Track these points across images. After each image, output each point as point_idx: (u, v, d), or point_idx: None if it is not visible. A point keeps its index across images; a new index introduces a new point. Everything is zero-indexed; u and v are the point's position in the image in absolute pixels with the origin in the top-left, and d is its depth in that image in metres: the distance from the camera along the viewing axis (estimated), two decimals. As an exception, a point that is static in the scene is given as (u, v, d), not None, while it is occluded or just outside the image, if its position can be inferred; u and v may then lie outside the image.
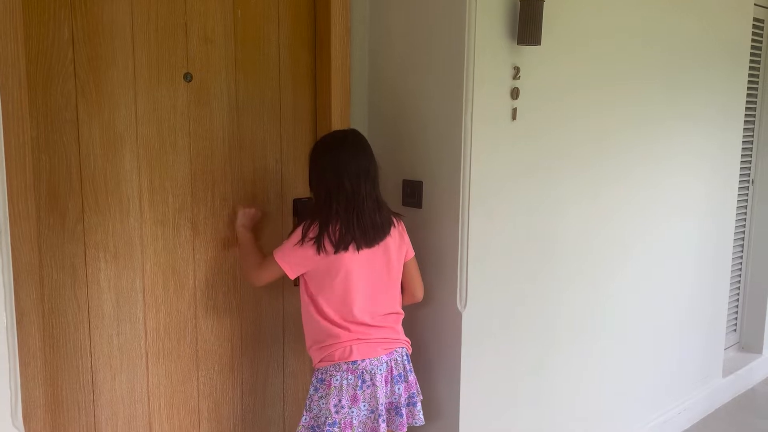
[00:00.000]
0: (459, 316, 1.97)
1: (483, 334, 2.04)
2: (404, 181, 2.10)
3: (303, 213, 2.07)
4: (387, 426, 1.82)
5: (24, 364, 1.49)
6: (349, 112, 2.11)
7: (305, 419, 1.81)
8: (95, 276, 1.76)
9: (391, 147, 2.13)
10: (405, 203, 2.09)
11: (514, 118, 2.04)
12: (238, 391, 2.06)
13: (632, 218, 2.59)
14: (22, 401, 1.48)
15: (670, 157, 2.73)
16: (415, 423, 1.87)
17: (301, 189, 2.12)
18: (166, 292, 1.88)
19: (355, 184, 1.75)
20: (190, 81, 1.86)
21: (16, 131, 1.45)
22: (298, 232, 1.76)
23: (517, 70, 2.02)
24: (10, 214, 1.43)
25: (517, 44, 1.97)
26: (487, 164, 1.98)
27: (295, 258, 1.77)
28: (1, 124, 1.39)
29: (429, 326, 2.09)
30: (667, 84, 2.65)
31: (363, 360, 1.78)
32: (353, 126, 2.10)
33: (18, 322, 1.46)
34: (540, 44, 1.97)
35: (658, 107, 2.63)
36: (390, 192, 2.11)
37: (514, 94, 2.03)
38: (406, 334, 1.91)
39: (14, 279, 1.44)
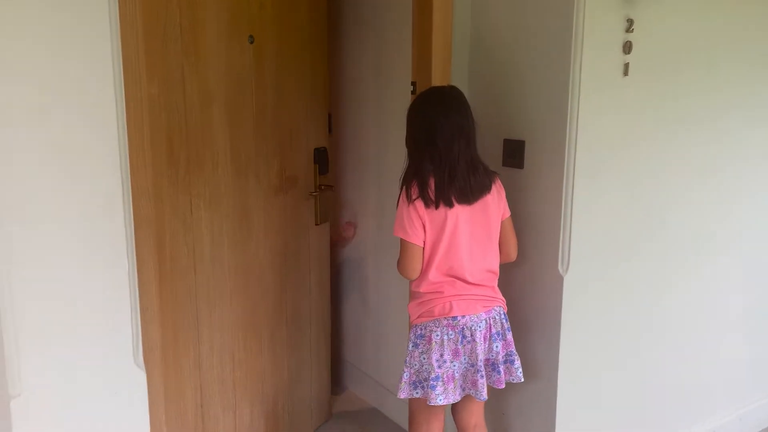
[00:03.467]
0: (560, 279, 1.92)
1: (584, 298, 1.98)
2: (505, 140, 2.04)
3: (322, 162, 2.36)
4: (485, 381, 1.82)
5: (143, 309, 1.60)
6: (450, 69, 2.07)
7: (406, 375, 1.85)
8: (198, 222, 1.91)
9: (492, 104, 2.08)
10: (505, 163, 2.05)
11: (625, 74, 1.92)
12: (284, 317, 2.33)
13: (747, 193, 2.40)
14: (141, 342, 1.59)
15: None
16: (513, 380, 1.87)
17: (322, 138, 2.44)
18: (241, 234, 2.07)
19: (448, 143, 1.72)
20: (252, 42, 2.01)
21: (135, 90, 1.53)
22: (403, 198, 1.77)
23: (630, 22, 1.89)
24: (130, 168, 1.52)
25: (632, -7, 1.85)
26: (594, 123, 1.88)
27: (410, 223, 1.76)
28: (123, 84, 1.47)
29: (527, 288, 2.05)
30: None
31: (463, 316, 1.78)
32: (453, 82, 2.06)
33: (138, 270, 1.57)
34: (657, -6, 1.84)
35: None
36: (490, 152, 2.07)
37: (627, 48, 1.91)
38: (503, 295, 1.89)
39: (135, 229, 1.54)
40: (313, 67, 2.33)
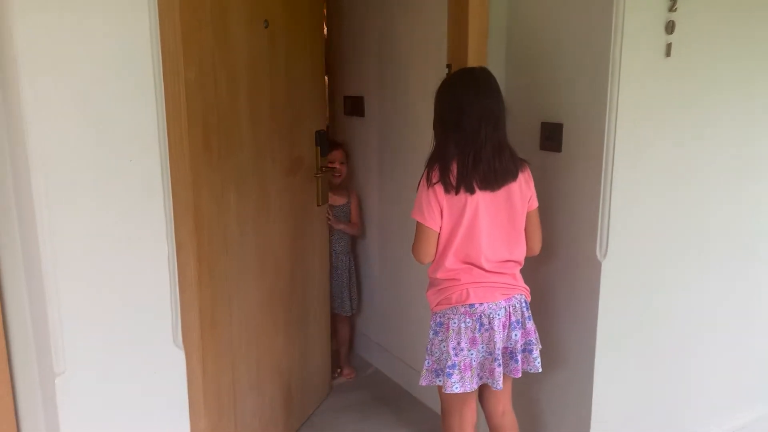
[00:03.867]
0: (598, 265, 1.89)
1: (622, 284, 1.95)
2: (543, 123, 2.01)
3: (322, 144, 2.41)
4: (502, 369, 1.81)
5: (182, 290, 1.62)
6: (486, 51, 2.04)
7: (428, 362, 1.84)
8: (228, 205, 1.94)
9: (530, 87, 2.05)
10: (543, 147, 2.01)
11: (668, 54, 1.87)
12: (296, 296, 2.43)
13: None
14: (180, 323, 1.62)
15: None
16: (530, 370, 1.85)
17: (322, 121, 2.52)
18: (261, 216, 2.13)
19: (475, 126, 1.68)
20: (267, 27, 2.07)
21: (173, 76, 1.54)
22: (423, 182, 1.75)
23: (673, 1, 1.84)
24: (169, 152, 1.53)
25: (676, -29, 1.79)
26: (635, 105, 1.84)
27: (428, 207, 1.74)
28: (161, 69, 1.48)
29: (560, 274, 2.03)
30: None
31: (481, 304, 1.76)
32: (489, 64, 2.03)
33: (177, 252, 1.59)
34: (703, -29, 1.78)
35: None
36: (527, 135, 2.04)
37: (670, 27, 1.85)
38: (535, 281, 1.87)
39: (174, 212, 1.56)
40: (312, 50, 2.41)
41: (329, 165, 2.78)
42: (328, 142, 2.78)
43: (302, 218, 2.42)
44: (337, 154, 2.90)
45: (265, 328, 2.22)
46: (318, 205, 2.50)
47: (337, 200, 2.92)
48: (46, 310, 1.40)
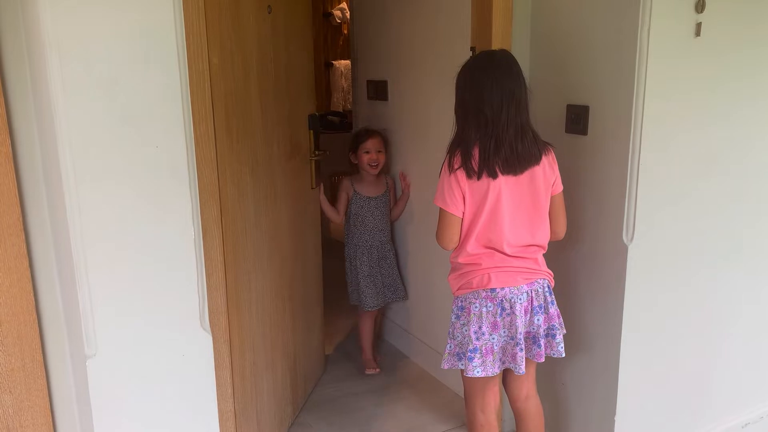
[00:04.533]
0: (624, 249, 1.87)
1: (649, 268, 1.93)
2: (568, 106, 1.98)
3: (315, 126, 2.46)
4: (525, 354, 1.80)
5: (209, 274, 1.64)
6: (511, 33, 2.01)
7: (450, 346, 1.84)
8: (246, 189, 1.97)
9: (555, 68, 2.02)
10: (569, 130, 1.99)
11: (697, 34, 1.83)
12: (298, 276, 2.46)
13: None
14: (207, 307, 1.64)
15: None
16: (554, 354, 1.84)
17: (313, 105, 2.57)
18: (270, 199, 2.18)
19: (496, 109, 1.66)
20: (270, 12, 2.08)
21: (197, 59, 1.55)
22: (445, 167, 1.74)
23: (704, -22, 1.80)
24: (194, 138, 1.54)
25: (707, -54, 1.75)
26: (663, 87, 1.80)
27: (450, 194, 1.73)
28: (186, 53, 1.49)
29: (586, 258, 2.01)
30: None
31: (502, 288, 1.75)
32: (514, 46, 2.01)
33: (204, 236, 1.61)
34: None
35: None
36: (553, 118, 2.02)
37: (700, 6, 1.81)
38: (560, 265, 1.85)
39: (200, 197, 1.57)
40: (305, 33, 2.45)
41: (365, 154, 2.76)
42: (366, 130, 2.81)
43: (301, 200, 2.48)
44: (374, 143, 2.78)
45: (276, 308, 2.28)
46: (312, 188, 2.56)
47: (371, 191, 2.83)
48: (77, 294, 1.43)
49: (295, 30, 2.34)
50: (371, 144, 2.77)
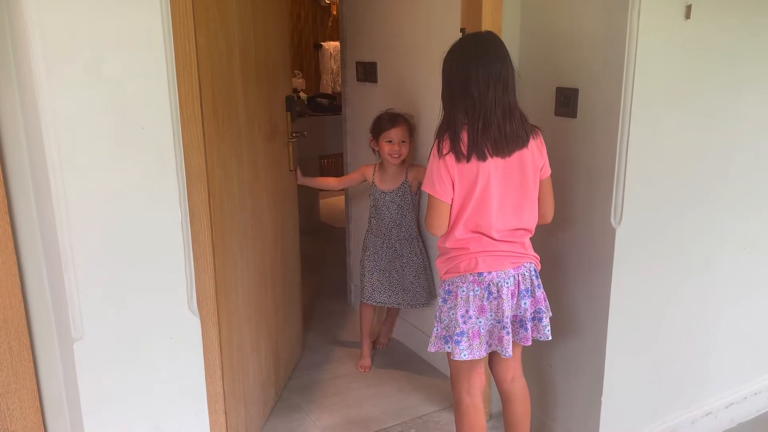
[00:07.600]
0: (612, 232, 1.88)
1: (637, 252, 1.94)
2: (558, 88, 1.98)
3: (292, 108, 2.47)
4: (511, 337, 1.81)
5: (196, 258, 1.63)
6: (501, 15, 2.00)
7: (437, 329, 1.85)
8: (231, 171, 1.96)
9: (545, 51, 2.01)
10: (558, 113, 1.99)
11: (687, 17, 1.82)
12: (278, 258, 2.45)
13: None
14: (195, 290, 1.64)
15: None
16: (540, 338, 1.85)
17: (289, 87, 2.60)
18: (254, 181, 2.18)
19: (483, 90, 1.65)
20: None
21: (184, 40, 1.52)
22: (434, 153, 1.73)
23: (695, -41, 1.79)
24: (181, 120, 1.52)
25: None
26: (653, 70, 1.80)
27: (439, 179, 1.72)
28: (172, 34, 1.46)
29: (575, 241, 2.02)
30: None
31: (489, 272, 1.75)
32: (504, 29, 2.00)
33: (191, 219, 1.59)
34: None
35: None
36: (542, 101, 2.01)
37: (690, -12, 1.81)
38: (549, 248, 1.86)
39: (187, 179, 1.56)
40: (282, 12, 2.45)
41: (387, 144, 2.53)
42: (390, 116, 2.55)
43: (280, 182, 2.48)
44: (397, 132, 2.52)
45: (260, 291, 2.28)
46: (290, 170, 2.58)
47: (388, 185, 2.63)
48: (63, 278, 1.41)
49: (273, 11, 2.32)
50: (395, 134, 2.52)
